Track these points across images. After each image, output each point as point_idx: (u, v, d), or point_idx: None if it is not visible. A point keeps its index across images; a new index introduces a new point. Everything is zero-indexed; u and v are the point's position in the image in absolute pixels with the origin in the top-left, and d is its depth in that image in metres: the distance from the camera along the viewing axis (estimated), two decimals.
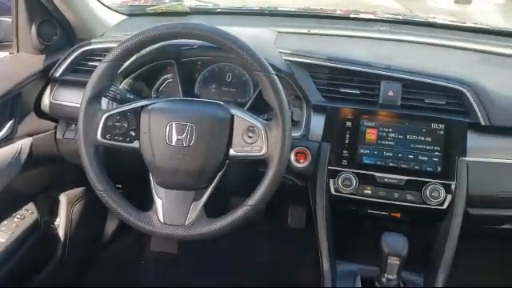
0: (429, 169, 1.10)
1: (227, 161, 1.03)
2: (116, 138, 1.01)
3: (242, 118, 1.00)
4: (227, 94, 1.28)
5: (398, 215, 1.16)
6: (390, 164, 1.12)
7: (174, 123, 0.98)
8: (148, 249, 1.85)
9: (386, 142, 1.13)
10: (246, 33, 1.11)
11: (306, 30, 1.41)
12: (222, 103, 1.04)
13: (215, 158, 1.00)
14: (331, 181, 1.13)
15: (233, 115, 1.01)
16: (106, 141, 1.01)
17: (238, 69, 1.27)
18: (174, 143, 0.98)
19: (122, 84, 1.26)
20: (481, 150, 1.12)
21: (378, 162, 1.12)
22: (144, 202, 1.09)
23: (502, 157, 1.12)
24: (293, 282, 1.74)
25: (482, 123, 1.13)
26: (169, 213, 1.02)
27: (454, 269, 1.11)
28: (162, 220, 1.01)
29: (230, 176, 1.07)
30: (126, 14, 1.55)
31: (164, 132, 0.98)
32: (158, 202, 1.03)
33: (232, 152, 1.01)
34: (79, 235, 1.63)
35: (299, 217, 1.87)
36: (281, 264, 1.82)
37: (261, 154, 0.99)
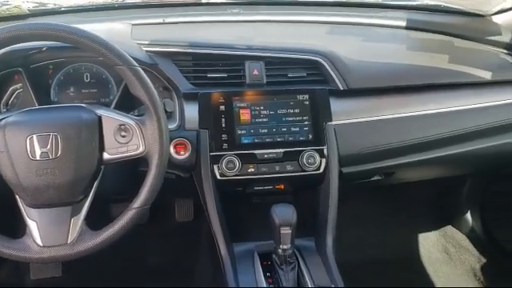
0: (302, 138, 1.16)
1: (102, 166, 0.96)
2: None
3: (111, 117, 0.94)
4: (88, 95, 1.19)
5: (282, 186, 1.21)
6: (267, 140, 1.15)
7: (34, 135, 0.88)
8: (28, 278, 1.67)
9: (260, 120, 1.16)
10: (98, 28, 1.05)
11: (160, 20, 1.37)
12: (84, 105, 0.96)
13: (88, 166, 0.92)
14: (215, 166, 1.13)
15: (100, 116, 0.94)
16: None
17: (95, 67, 1.19)
18: (38, 157, 0.88)
19: None
20: (344, 112, 1.21)
21: (256, 140, 1.15)
22: (15, 228, 0.98)
23: (364, 116, 1.22)
24: (192, 275, 1.72)
25: (341, 88, 1.21)
26: (47, 234, 0.92)
27: (340, 225, 1.19)
28: (40, 243, 0.92)
29: (108, 182, 1.01)
30: None
31: (24, 147, 0.88)
32: (32, 225, 0.92)
33: (106, 156, 0.94)
34: None
35: (187, 209, 1.85)
36: (176, 260, 1.79)
37: (139, 152, 0.94)
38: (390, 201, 2.03)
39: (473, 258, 1.90)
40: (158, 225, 1.83)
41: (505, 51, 1.44)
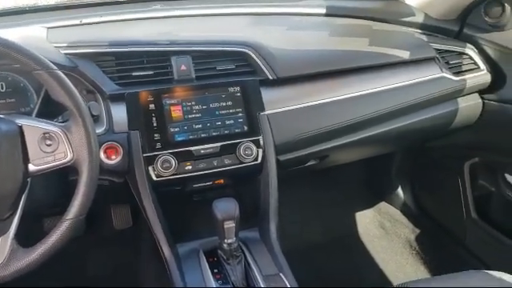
0: (237, 130, 1.16)
1: (29, 179, 0.90)
2: None
3: (33, 126, 0.88)
4: (6, 106, 1.11)
5: (222, 181, 1.20)
6: (202, 135, 1.13)
7: None
8: None
9: (193, 116, 1.14)
10: (10, 34, 0.98)
11: (77, 21, 1.31)
12: (2, 116, 0.89)
13: (13, 180, 0.86)
14: (150, 168, 1.09)
15: (20, 126, 0.87)
16: None
17: (10, 75, 1.11)
18: None
19: None
20: (276, 101, 1.22)
21: (191, 137, 1.13)
22: None
23: (295, 103, 1.24)
24: (137, 282, 1.67)
25: (270, 78, 1.22)
26: None
27: (281, 213, 1.20)
28: None
29: (38, 195, 0.95)
30: None
31: None
32: None
33: (32, 167, 0.88)
34: None
35: (124, 216, 1.79)
36: (119, 268, 1.73)
37: (67, 160, 0.89)
38: (325, 184, 2.09)
39: (407, 230, 2.01)
40: (96, 235, 1.76)
41: (419, 31, 1.52)
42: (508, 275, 1.03)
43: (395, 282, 1.77)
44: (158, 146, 1.10)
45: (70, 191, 0.91)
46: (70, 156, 0.89)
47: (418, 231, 1.99)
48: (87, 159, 0.89)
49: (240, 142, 1.15)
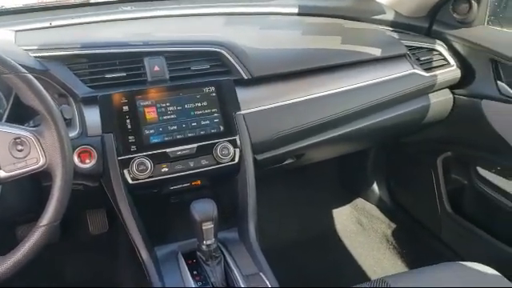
0: (213, 130, 1.15)
1: (0, 186, 0.88)
2: None
3: (3, 131, 0.86)
4: None
5: (199, 182, 1.19)
6: (178, 136, 1.12)
7: None
8: None
9: (168, 117, 1.13)
10: None
11: (47, 24, 1.29)
12: None
13: None
14: (125, 171, 1.08)
15: None
16: None
17: None
18: None
19: None
20: (251, 101, 1.22)
21: (166, 138, 1.11)
22: None
23: (271, 102, 1.24)
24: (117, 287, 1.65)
25: (245, 77, 1.22)
26: None
27: (259, 212, 1.20)
28: None
29: (10, 202, 0.93)
30: None
31: None
32: None
33: (3, 174, 0.85)
34: None
35: (100, 220, 1.76)
36: (97, 274, 1.70)
37: (39, 165, 0.87)
38: (302, 182, 2.10)
39: (384, 226, 2.04)
40: (72, 241, 1.73)
41: (390, 29, 1.55)
42: (482, 265, 1.06)
43: (373, 277, 1.79)
44: (133, 148, 1.09)
45: (44, 197, 0.89)
46: (42, 161, 0.87)
47: (394, 226, 2.02)
48: (60, 164, 0.87)
49: (216, 143, 1.14)
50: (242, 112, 1.19)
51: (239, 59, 1.22)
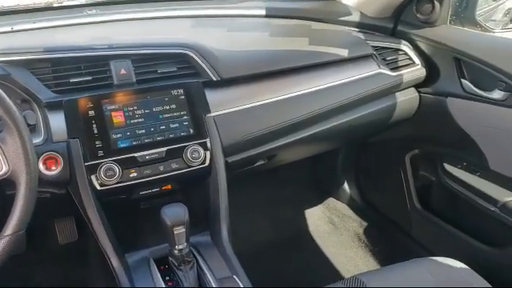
0: (183, 133, 1.14)
1: None
2: None
3: None
4: None
5: (170, 186, 1.17)
6: (146, 140, 1.10)
7: None
8: None
9: (135, 121, 1.11)
10: None
11: (8, 28, 1.25)
12: None
13: None
14: (93, 177, 1.05)
15: None
16: None
17: None
18: None
19: None
20: (221, 103, 1.21)
21: (134, 143, 1.09)
22: None
23: (240, 104, 1.23)
24: None
25: (214, 79, 1.21)
26: None
27: (231, 215, 1.20)
28: None
29: None
30: None
31: None
32: None
33: None
34: None
35: (69, 229, 1.72)
36: (69, 285, 1.65)
37: (2, 173, 0.84)
38: (274, 184, 2.11)
39: (355, 224, 2.06)
40: (40, 252, 1.68)
41: (356, 29, 1.57)
42: (452, 260, 1.08)
43: (347, 275, 1.80)
44: (100, 153, 1.06)
45: (7, 206, 0.85)
46: (5, 169, 0.84)
47: (365, 224, 2.05)
48: (24, 171, 0.85)
49: (186, 146, 1.13)
50: (212, 114, 1.18)
51: (207, 61, 1.21)
